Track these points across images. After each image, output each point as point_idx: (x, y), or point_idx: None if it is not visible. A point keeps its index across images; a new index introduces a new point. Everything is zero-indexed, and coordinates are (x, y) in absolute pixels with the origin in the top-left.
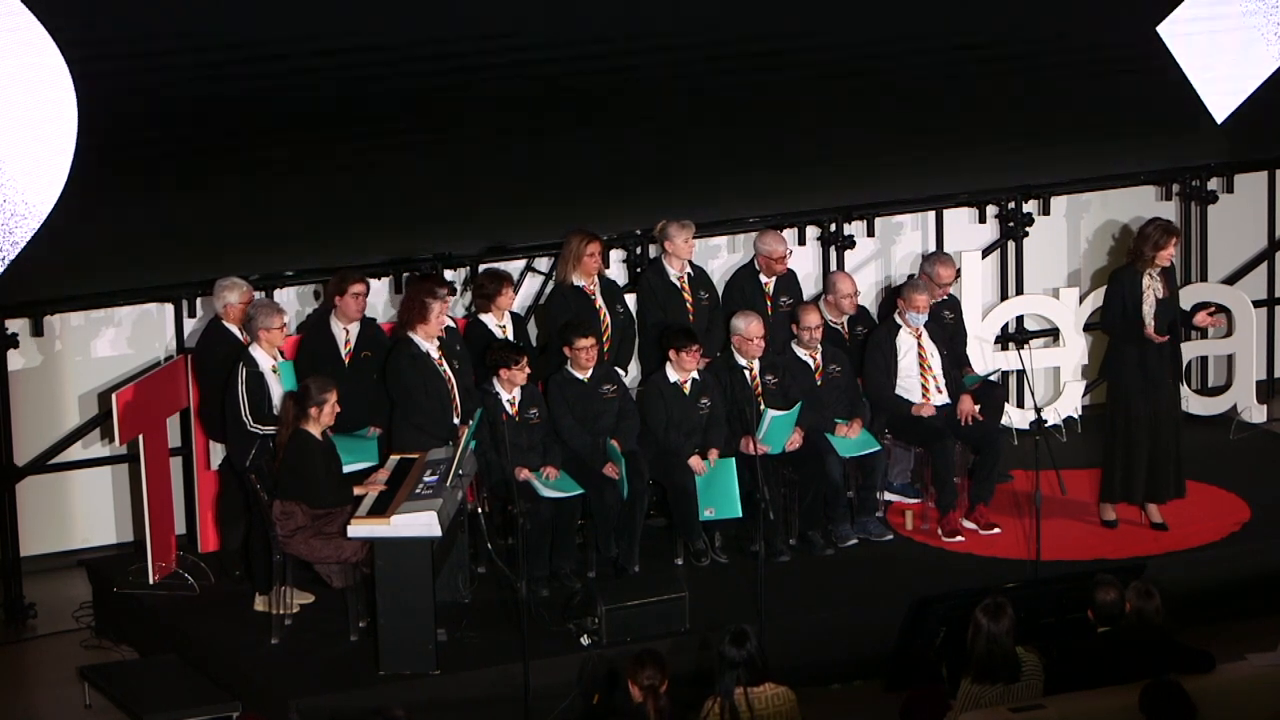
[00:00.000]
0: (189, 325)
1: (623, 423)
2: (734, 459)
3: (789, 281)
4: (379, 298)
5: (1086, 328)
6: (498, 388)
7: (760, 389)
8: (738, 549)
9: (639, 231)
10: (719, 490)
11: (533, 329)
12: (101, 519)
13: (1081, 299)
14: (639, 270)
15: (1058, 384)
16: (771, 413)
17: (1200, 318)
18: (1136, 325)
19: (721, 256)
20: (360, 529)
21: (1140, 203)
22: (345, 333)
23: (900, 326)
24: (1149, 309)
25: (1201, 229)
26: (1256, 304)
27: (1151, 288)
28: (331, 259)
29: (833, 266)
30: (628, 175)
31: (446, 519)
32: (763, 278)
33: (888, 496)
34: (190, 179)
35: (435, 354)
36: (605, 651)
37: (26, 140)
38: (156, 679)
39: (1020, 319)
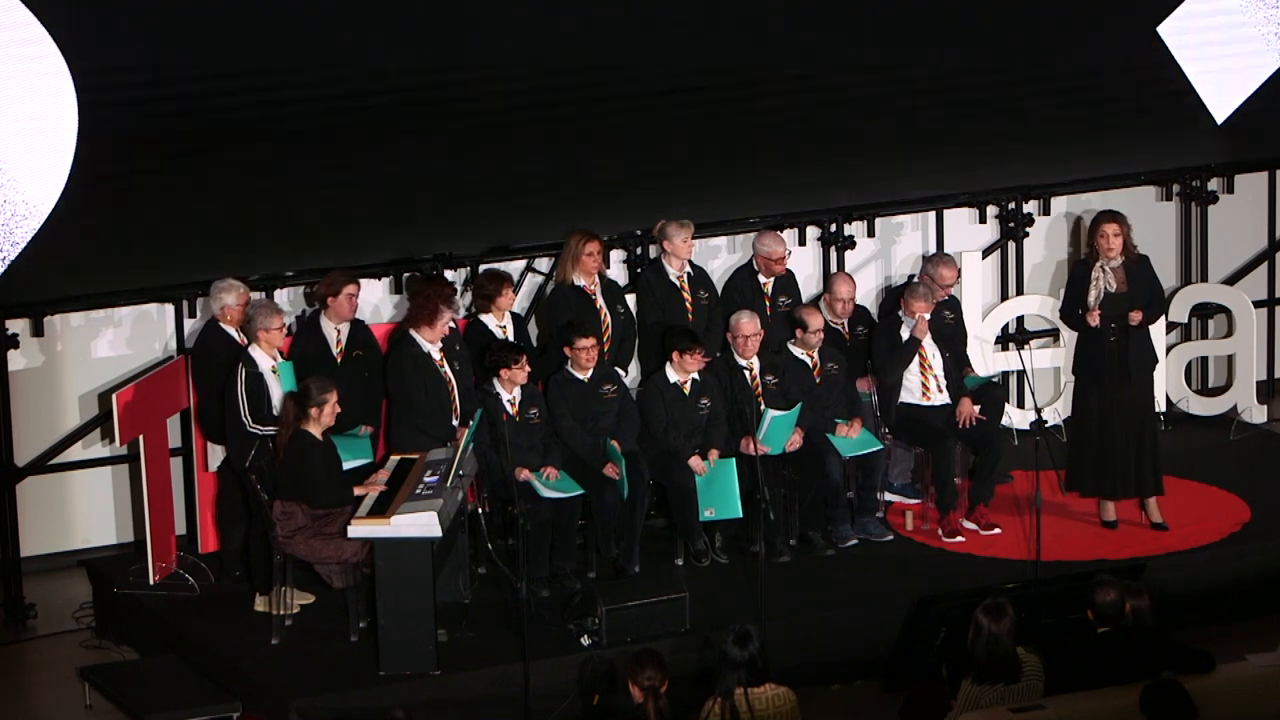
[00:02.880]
0: (189, 325)
1: (623, 423)
2: (734, 459)
3: (787, 282)
4: (378, 297)
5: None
6: (498, 388)
7: (760, 389)
8: (738, 549)
9: (639, 231)
10: (719, 490)
11: (533, 329)
12: (101, 519)
13: None
14: (639, 270)
15: (1058, 384)
16: (771, 413)
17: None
18: (1079, 316)
19: (721, 256)
20: (360, 529)
21: (1140, 203)
22: (337, 332)
23: (902, 323)
24: (1093, 300)
25: (1201, 229)
26: (1256, 304)
27: (1100, 279)
28: (332, 259)
29: (833, 267)
30: (628, 175)
31: (446, 519)
32: (761, 278)
33: (888, 497)
34: (190, 179)
35: (437, 355)
36: (605, 652)
37: (26, 140)
38: (156, 679)
39: (1020, 319)
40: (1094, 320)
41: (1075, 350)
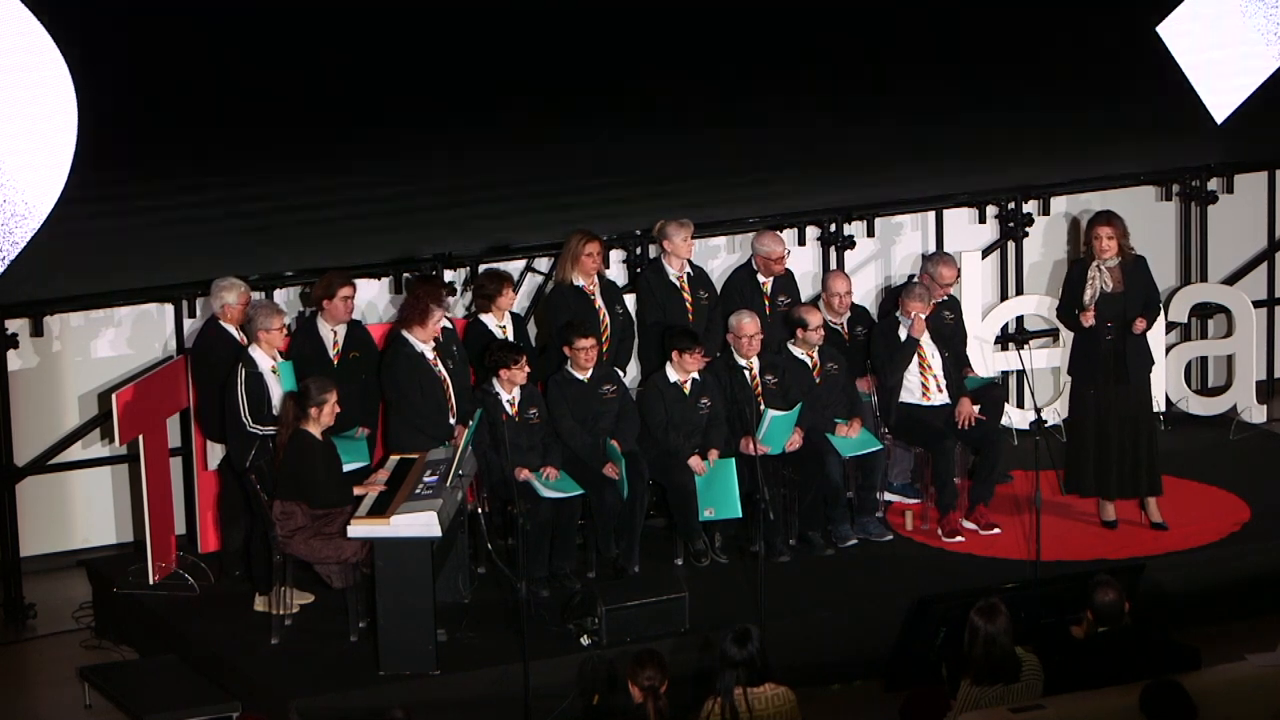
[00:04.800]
0: (189, 325)
1: (622, 423)
2: (734, 459)
3: (787, 281)
4: (379, 297)
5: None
6: (498, 388)
7: (760, 389)
8: (738, 549)
9: (639, 231)
10: (719, 490)
11: (532, 329)
12: (101, 519)
13: None
14: (639, 270)
15: (1058, 384)
16: (771, 413)
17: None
18: (1074, 316)
19: (721, 256)
20: (360, 529)
21: (1140, 203)
22: (333, 334)
23: (899, 323)
24: (1089, 299)
25: (1201, 229)
26: (1256, 304)
27: (1096, 279)
28: (332, 259)
29: (832, 267)
30: (628, 175)
31: (446, 519)
32: (760, 278)
33: (888, 496)
34: (190, 179)
35: (430, 354)
36: (605, 652)
37: (26, 140)
38: (156, 679)
39: (1020, 319)
40: (1088, 320)
41: (1071, 351)
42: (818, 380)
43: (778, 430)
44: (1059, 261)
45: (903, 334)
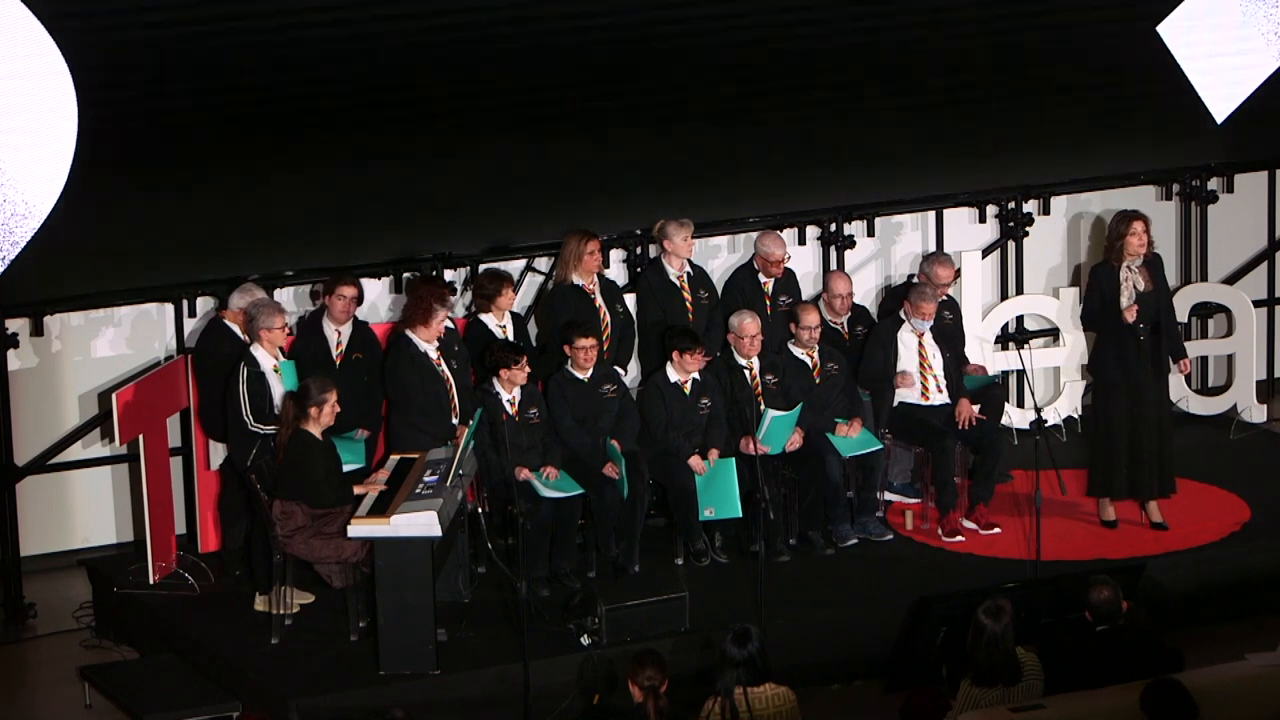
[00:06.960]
0: (189, 325)
1: (623, 423)
2: (734, 459)
3: (788, 281)
4: (380, 297)
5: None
6: (498, 388)
7: (760, 389)
8: (738, 549)
9: (639, 231)
10: (719, 490)
11: (533, 329)
12: (101, 519)
13: (1081, 299)
14: (639, 270)
15: (1058, 384)
16: (772, 413)
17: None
18: (1114, 317)
19: (721, 256)
20: (360, 529)
21: (1140, 203)
22: (337, 334)
23: (904, 323)
24: (1126, 300)
25: (1201, 229)
26: (1256, 304)
27: (1130, 280)
28: (332, 259)
29: (833, 266)
30: (628, 175)
31: (446, 519)
32: (761, 278)
33: (888, 496)
34: (190, 178)
35: (434, 354)
36: (605, 651)
37: (26, 140)
38: (156, 679)
39: (1020, 319)
40: (1133, 316)
41: (1097, 352)
42: (818, 380)
43: (778, 430)
44: (1059, 263)
45: (902, 334)
